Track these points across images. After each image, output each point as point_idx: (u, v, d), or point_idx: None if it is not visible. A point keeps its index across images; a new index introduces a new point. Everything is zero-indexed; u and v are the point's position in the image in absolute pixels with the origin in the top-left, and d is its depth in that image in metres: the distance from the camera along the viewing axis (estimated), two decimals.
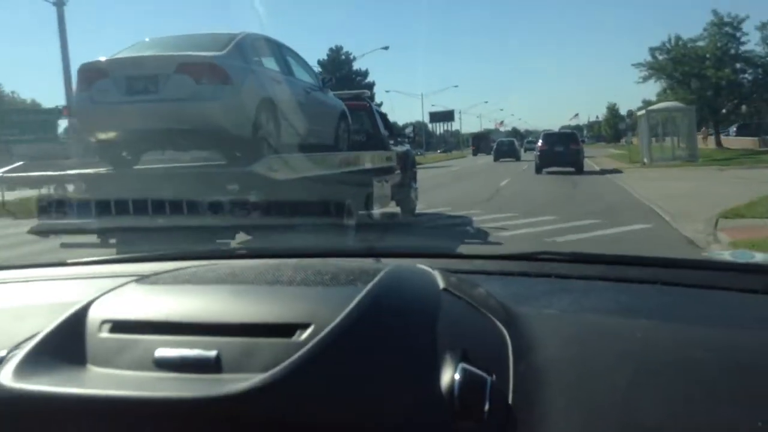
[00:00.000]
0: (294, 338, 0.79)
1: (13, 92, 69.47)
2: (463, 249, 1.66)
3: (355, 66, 56.92)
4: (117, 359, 0.82)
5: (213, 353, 0.78)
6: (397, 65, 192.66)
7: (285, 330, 0.81)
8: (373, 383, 0.75)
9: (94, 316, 0.90)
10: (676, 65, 39.14)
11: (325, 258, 1.27)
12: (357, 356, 0.77)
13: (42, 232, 5.92)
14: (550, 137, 26.00)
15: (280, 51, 7.34)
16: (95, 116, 5.99)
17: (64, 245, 5.93)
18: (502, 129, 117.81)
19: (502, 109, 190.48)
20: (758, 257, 1.65)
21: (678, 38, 39.76)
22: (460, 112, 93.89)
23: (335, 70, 47.74)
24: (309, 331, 0.79)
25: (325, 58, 55.84)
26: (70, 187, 6.22)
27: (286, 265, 1.11)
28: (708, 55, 38.55)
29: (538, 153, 25.21)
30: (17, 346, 0.88)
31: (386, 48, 49.79)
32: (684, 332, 1.00)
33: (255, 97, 6.12)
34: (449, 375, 0.76)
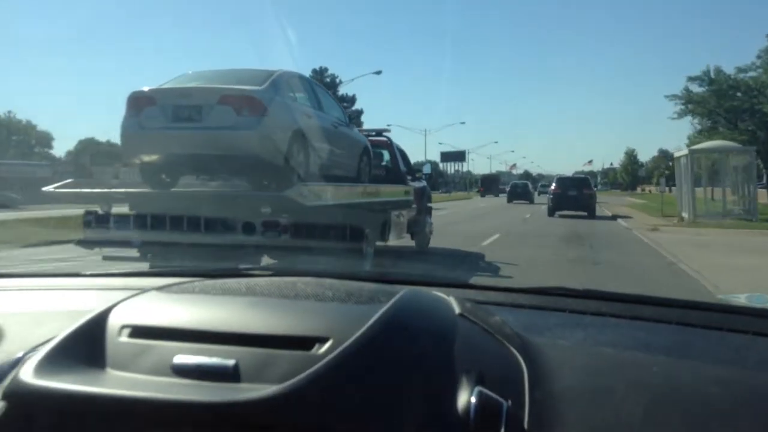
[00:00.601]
0: (313, 351, 0.81)
1: (9, 112, 70.24)
2: (475, 281, 1.68)
3: (342, 91, 47.66)
4: (135, 364, 0.84)
5: (231, 362, 0.80)
6: (396, 95, 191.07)
7: (303, 343, 0.83)
8: (390, 400, 0.76)
9: (114, 320, 0.92)
10: (720, 99, 31.60)
11: (339, 279, 1.30)
12: (375, 372, 0.78)
13: (87, 245, 6.40)
14: (563, 181, 26.71)
15: (312, 88, 7.90)
16: (142, 140, 6.51)
17: (106, 258, 6.42)
18: (514, 172, 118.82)
19: (513, 151, 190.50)
20: None
21: (719, 70, 31.75)
22: (468, 152, 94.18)
23: None
24: (328, 344, 0.81)
25: None
26: (115, 205, 6.72)
27: (303, 282, 1.12)
28: (756, 87, 30.76)
29: (552, 196, 25.79)
30: (34, 349, 0.90)
31: (378, 72, 45.24)
32: (701, 370, 1.00)
33: (288, 129, 6.62)
34: (465, 397, 0.77)
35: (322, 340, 0.82)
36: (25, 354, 0.90)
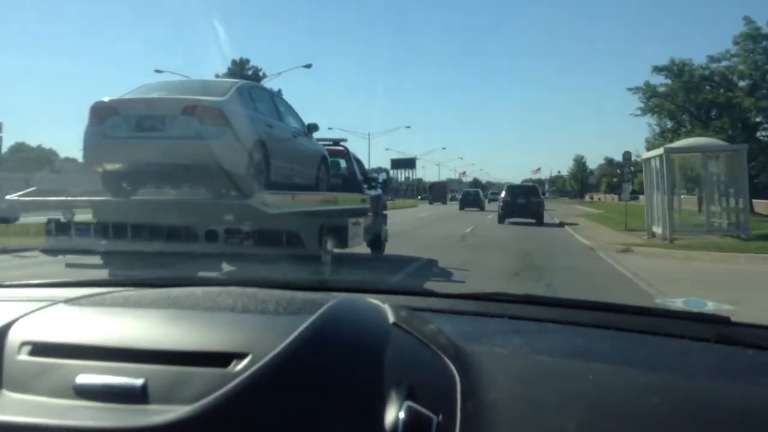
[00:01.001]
0: (229, 368, 0.77)
1: None
2: (414, 287, 1.61)
3: (267, 85, 36.11)
4: (35, 384, 0.78)
5: (139, 381, 0.76)
6: (335, 97, 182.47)
7: (220, 359, 0.79)
8: (311, 419, 0.73)
9: (14, 337, 0.86)
10: (690, 93, 27.79)
11: (271, 289, 1.26)
12: (296, 389, 0.75)
13: (51, 252, 6.45)
14: (513, 189, 27.50)
15: (272, 98, 8.13)
16: (105, 150, 6.62)
17: (68, 265, 6.48)
18: (464, 179, 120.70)
19: (461, 158, 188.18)
20: (710, 306, 1.64)
21: (684, 62, 28.03)
22: (416, 158, 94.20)
23: None
24: (246, 361, 0.77)
25: (226, 72, 38.44)
26: (77, 212, 6.79)
27: (228, 293, 1.07)
28: (734, 77, 27.12)
29: (502, 204, 26.48)
30: None
31: (308, 66, 38.60)
32: (637, 377, 1.00)
33: (250, 139, 6.83)
34: (394, 413, 0.74)
35: (241, 356, 0.78)
36: None
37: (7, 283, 1.62)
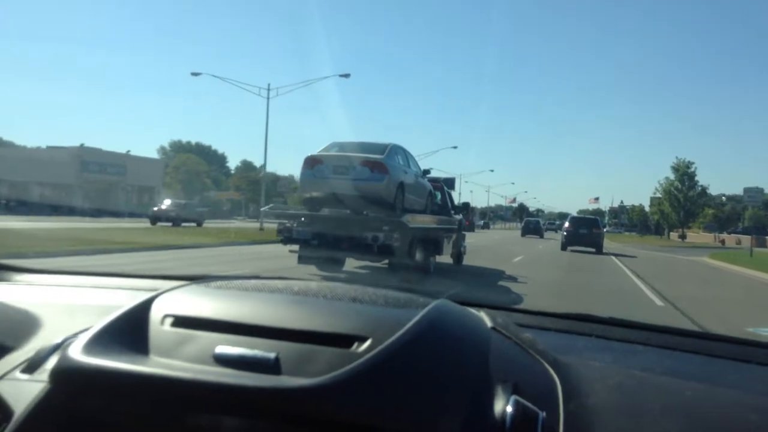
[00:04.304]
0: (352, 349, 0.85)
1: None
2: (501, 302, 1.72)
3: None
4: (177, 352, 0.89)
5: (272, 355, 0.84)
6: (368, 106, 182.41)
7: (343, 340, 0.87)
8: (427, 401, 0.79)
9: (157, 310, 0.97)
10: None
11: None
12: (413, 373, 0.82)
13: (285, 242, 11.17)
14: (575, 220, 30.57)
15: (405, 152, 12.64)
16: (314, 185, 11.24)
17: (291, 251, 11.15)
18: (514, 206, 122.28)
19: (513, 183, 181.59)
20: None
21: None
22: (454, 177, 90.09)
23: None
24: (367, 343, 0.85)
25: None
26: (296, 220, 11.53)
27: (340, 286, 1.15)
28: None
29: (565, 233, 29.62)
30: (74, 335, 0.97)
31: (346, 75, 30.42)
32: (735, 397, 1.02)
33: (397, 181, 11.34)
34: (501, 406, 0.81)
35: (362, 339, 0.87)
36: (65, 340, 0.98)
37: (118, 272, 1.95)
